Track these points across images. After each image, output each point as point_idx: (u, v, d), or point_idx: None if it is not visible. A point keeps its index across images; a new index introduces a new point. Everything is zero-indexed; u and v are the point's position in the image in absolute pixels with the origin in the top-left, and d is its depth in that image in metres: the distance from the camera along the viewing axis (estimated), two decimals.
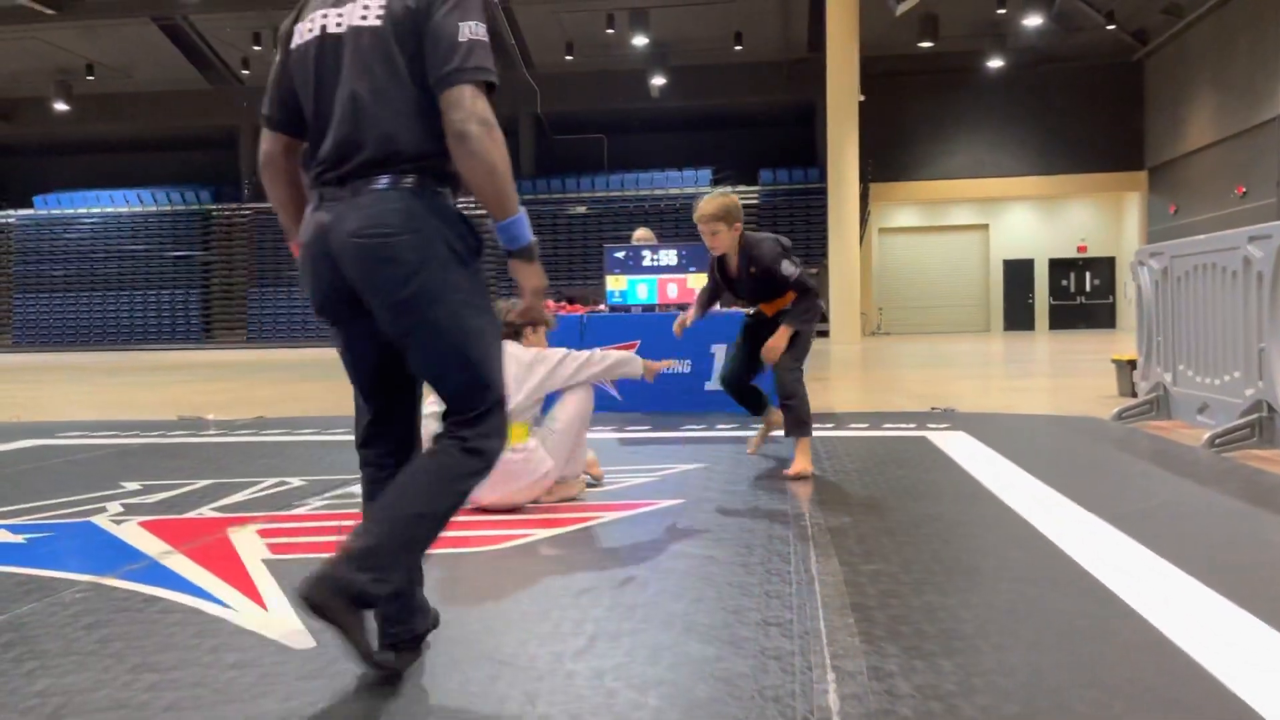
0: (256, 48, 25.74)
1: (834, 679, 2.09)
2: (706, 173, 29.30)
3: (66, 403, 10.43)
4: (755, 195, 28.40)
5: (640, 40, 24.65)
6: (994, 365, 13.90)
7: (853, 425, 6.46)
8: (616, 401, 7.60)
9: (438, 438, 2.12)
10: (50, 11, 22.76)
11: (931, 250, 29.07)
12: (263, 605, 2.74)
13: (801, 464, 4.59)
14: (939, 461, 4.97)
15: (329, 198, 2.10)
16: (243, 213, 30.03)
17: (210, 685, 2.15)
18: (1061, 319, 28.27)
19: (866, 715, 1.92)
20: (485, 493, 3.74)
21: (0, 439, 6.57)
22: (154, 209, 30.29)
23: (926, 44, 24.65)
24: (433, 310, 2.05)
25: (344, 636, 1.98)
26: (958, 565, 3.00)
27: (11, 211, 30.74)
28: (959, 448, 5.33)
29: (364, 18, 2.08)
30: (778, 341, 4.64)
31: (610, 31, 25.46)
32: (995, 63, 26.15)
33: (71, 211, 30.44)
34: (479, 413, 2.10)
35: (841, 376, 11.81)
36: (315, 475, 4.91)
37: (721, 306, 5.60)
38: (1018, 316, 28.60)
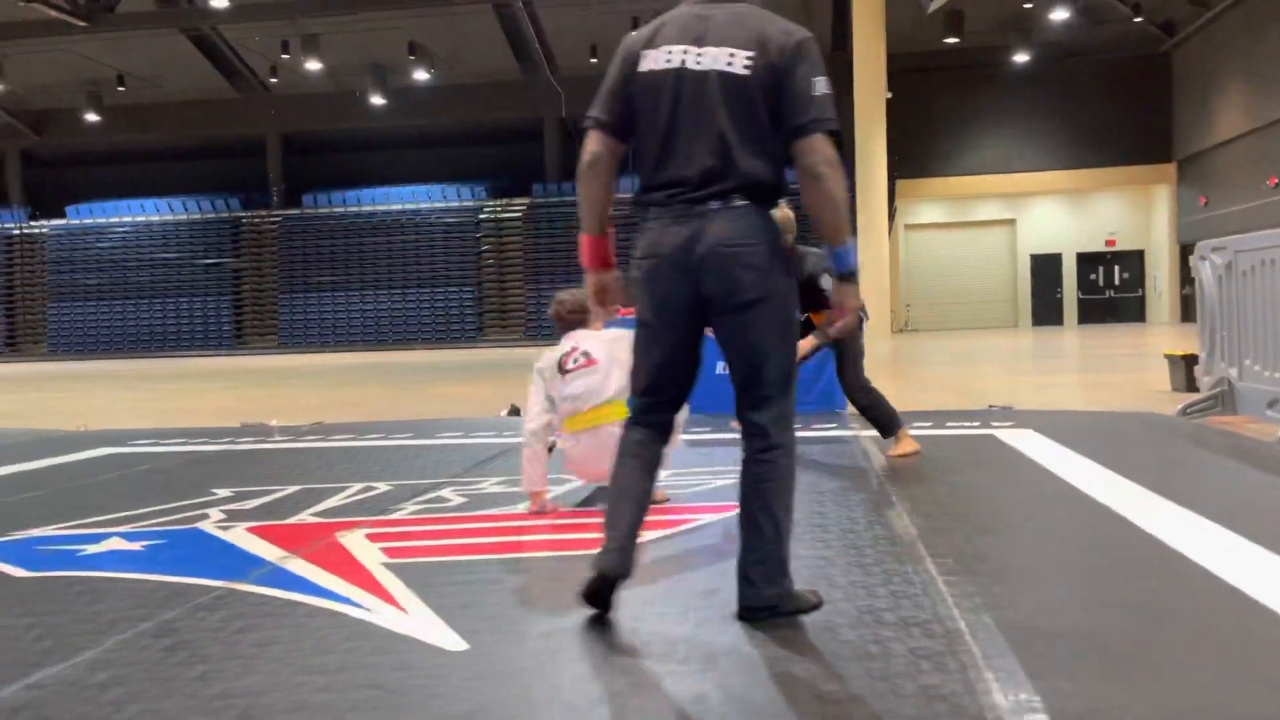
0: (285, 56, 25.95)
1: (994, 678, 2.13)
2: None
3: (123, 411, 10.58)
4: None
5: None
6: (1033, 361, 13.88)
7: (916, 425, 6.48)
8: None
9: (761, 439, 2.55)
10: (81, 24, 23.01)
11: (958, 246, 28.99)
12: (400, 608, 2.81)
13: (906, 445, 5.06)
14: (1015, 460, 5.00)
15: (685, 214, 2.46)
16: (271, 219, 30.28)
17: (383, 687, 2.22)
18: (1090, 313, 28.14)
19: (1035, 713, 1.97)
20: (598, 468, 3.70)
21: (75, 448, 6.69)
22: (184, 217, 30.58)
23: (952, 40, 24.58)
24: (770, 308, 2.47)
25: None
26: (1075, 566, 3.04)
27: (45, 222, 31.11)
28: (1031, 446, 5.36)
29: (730, 65, 2.42)
30: (802, 349, 4.89)
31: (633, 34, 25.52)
32: (1021, 57, 26.03)
33: (104, 221, 30.77)
34: (778, 396, 2.54)
35: (881, 375, 11.81)
36: (399, 480, 4.99)
37: None
38: (1046, 311, 28.47)
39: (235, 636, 2.60)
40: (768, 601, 2.52)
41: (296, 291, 29.40)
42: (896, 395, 8.86)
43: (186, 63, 28.16)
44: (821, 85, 2.41)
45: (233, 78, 29.29)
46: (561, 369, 4.08)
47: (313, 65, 25.28)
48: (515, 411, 8.50)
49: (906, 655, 2.29)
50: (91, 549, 3.68)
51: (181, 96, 29.51)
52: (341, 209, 29.95)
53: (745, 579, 2.54)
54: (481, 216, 29.61)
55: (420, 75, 26.76)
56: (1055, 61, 26.34)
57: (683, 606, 2.74)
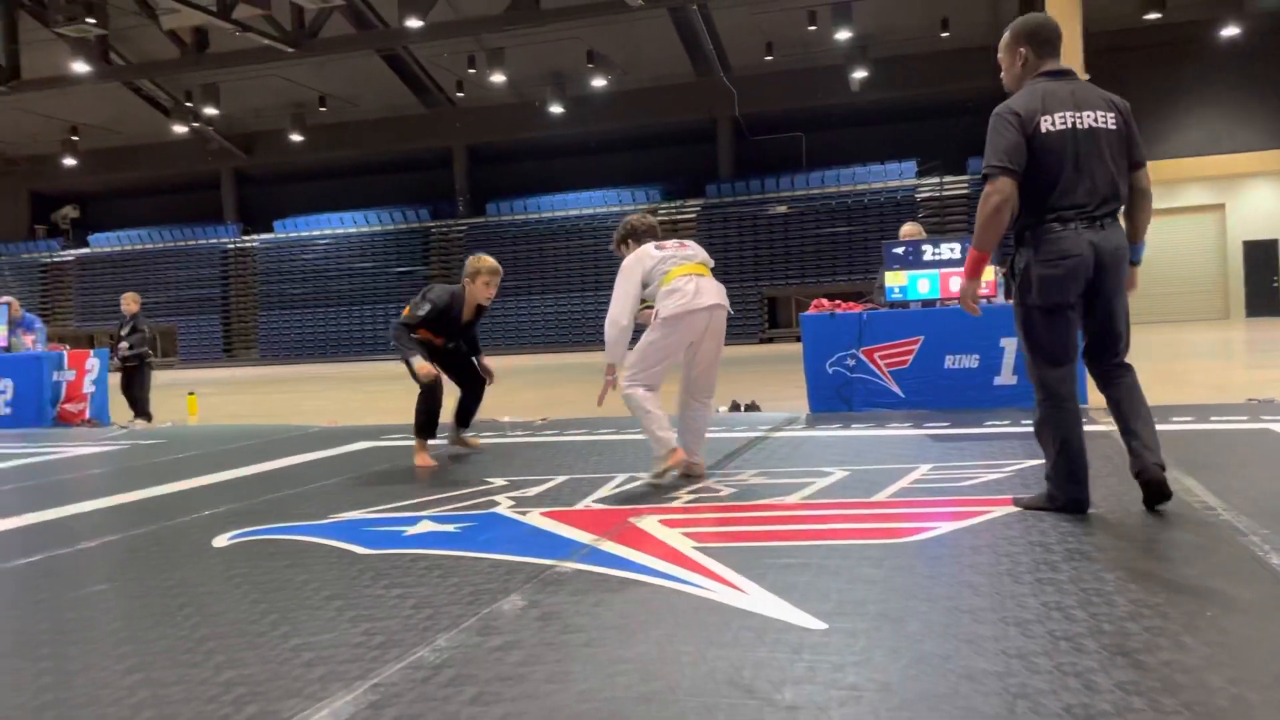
0: (471, 71, 27.06)
1: None
2: (911, 165, 28.65)
3: (357, 409, 11.30)
4: (965, 185, 27.54)
5: (843, 34, 24.34)
6: (1270, 354, 12.94)
7: (1175, 419, 6.18)
8: (899, 399, 7.56)
9: (1123, 369, 3.67)
10: (289, 49, 24.68)
11: (1160, 234, 27.03)
12: (736, 588, 2.90)
13: None
14: None
15: (1092, 227, 3.43)
16: (458, 228, 31.63)
17: (769, 666, 2.30)
18: None
19: None
20: (700, 301, 4.72)
21: (337, 443, 7.20)
22: (379, 228, 32.34)
23: (1153, 15, 23.22)
24: (1125, 289, 3.60)
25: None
26: None
27: (256, 236, 33.54)
28: None
29: (1104, 122, 3.47)
30: None
31: (812, 29, 25.29)
32: (1230, 31, 24.32)
33: (307, 234, 32.92)
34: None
35: None
36: None
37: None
38: (1261, 301, 26.42)
39: (594, 609, 2.75)
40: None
41: None
42: (1150, 392, 8.48)
43: (380, 82, 29.79)
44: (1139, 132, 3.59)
45: (422, 94, 30.78)
46: (657, 248, 4.88)
47: (497, 78, 26.25)
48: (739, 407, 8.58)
49: None
50: (410, 530, 3.96)
51: (376, 114, 31.24)
52: (524, 216, 30.98)
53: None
54: (658, 219, 29.99)
55: (598, 82, 27.37)
56: (1269, 34, 24.47)
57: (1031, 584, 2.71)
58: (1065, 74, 3.56)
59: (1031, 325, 3.54)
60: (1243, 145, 25.41)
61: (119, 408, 10.55)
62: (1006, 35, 3.64)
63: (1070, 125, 3.40)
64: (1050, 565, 2.97)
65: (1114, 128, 3.46)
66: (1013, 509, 3.79)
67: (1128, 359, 3.68)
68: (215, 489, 5.39)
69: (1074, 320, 3.52)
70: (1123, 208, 3.54)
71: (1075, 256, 3.40)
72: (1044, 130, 3.40)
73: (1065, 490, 3.58)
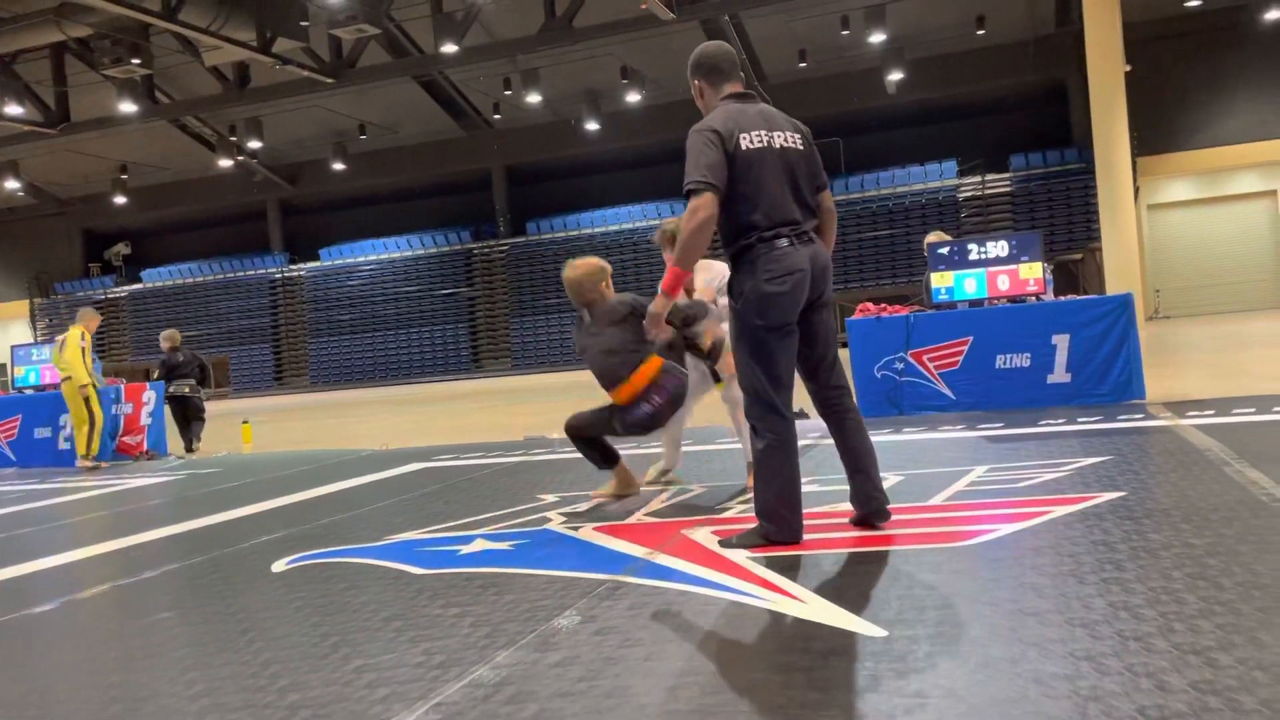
0: (507, 92, 27.31)
1: None
2: (951, 165, 28.37)
3: (409, 432, 11.41)
4: (1008, 182, 27.22)
5: (877, 37, 24.19)
6: None
7: (1236, 411, 6.03)
8: (951, 400, 7.47)
9: (845, 393, 3.62)
10: (329, 80, 25.10)
11: (1211, 223, 26.72)
12: (794, 597, 2.88)
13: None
14: None
15: (803, 242, 3.45)
16: (500, 248, 31.89)
17: (831, 675, 2.27)
18: None
19: None
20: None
21: (391, 465, 7.27)
22: (421, 252, 32.71)
23: (1194, 2, 22.83)
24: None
25: None
26: None
27: (302, 265, 34.08)
28: None
29: (794, 143, 3.50)
30: None
31: (845, 33, 25.17)
32: (1272, 14, 23.79)
33: (352, 261, 33.39)
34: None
35: (1169, 364, 11.07)
36: (710, 482, 5.12)
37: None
38: None
39: (651, 623, 2.74)
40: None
41: (526, 315, 30.79)
42: (1196, 385, 8.33)
43: (418, 108, 30.19)
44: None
45: (459, 117, 31.13)
46: None
47: (532, 98, 26.46)
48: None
49: None
50: (465, 549, 3.98)
51: (415, 139, 31.65)
52: (563, 233, 31.15)
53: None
54: None
55: (632, 98, 27.46)
56: None
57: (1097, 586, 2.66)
58: (748, 96, 3.58)
59: (762, 347, 3.43)
60: None
61: (176, 439, 10.76)
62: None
63: (765, 143, 3.42)
64: (1115, 564, 2.91)
65: (801, 148, 3.50)
66: (1073, 508, 3.72)
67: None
68: (272, 515, 5.47)
69: (796, 340, 3.47)
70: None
71: (801, 272, 3.38)
72: (744, 147, 3.39)
73: (789, 523, 3.46)
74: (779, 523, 3.45)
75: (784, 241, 3.40)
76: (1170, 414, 6.10)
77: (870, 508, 3.58)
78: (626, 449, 5.74)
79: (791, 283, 3.38)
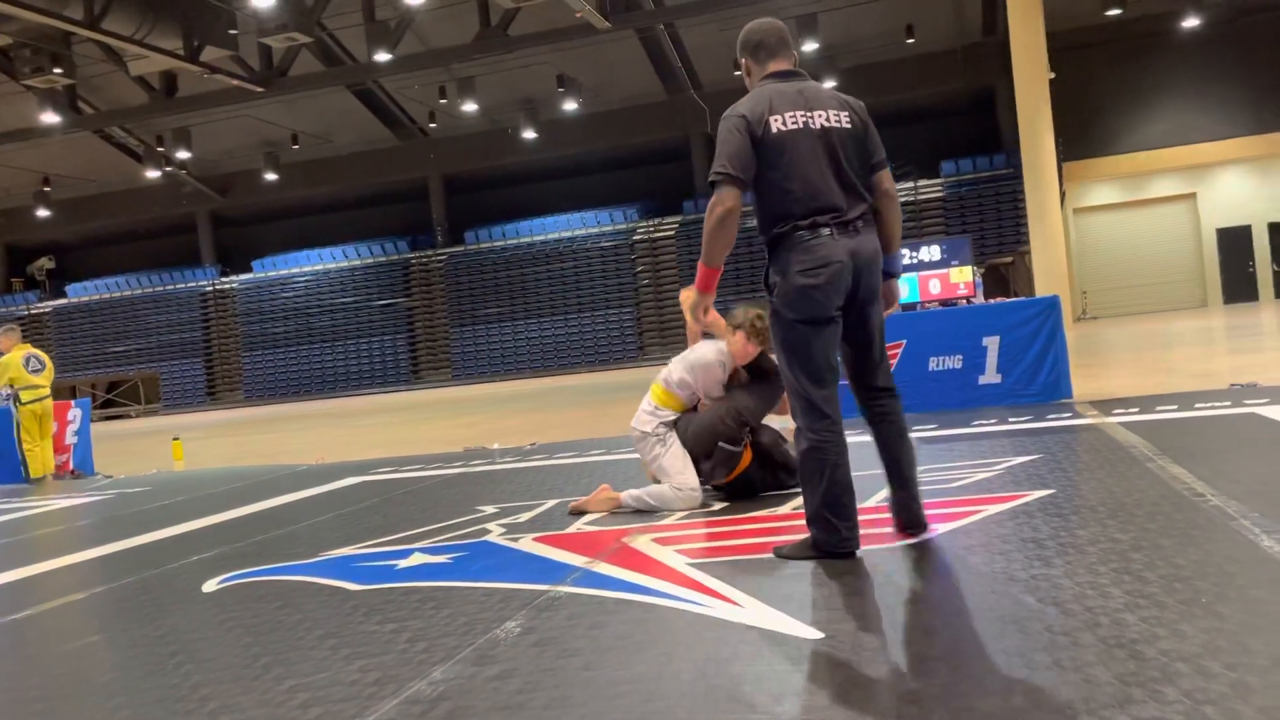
0: (442, 100, 27.11)
1: None
2: None
3: (345, 445, 11.23)
4: (939, 188, 27.73)
5: (810, 46, 24.50)
6: (1249, 338, 13.04)
7: (1159, 408, 6.21)
8: None
9: (891, 396, 3.50)
10: (259, 89, 24.65)
11: (1134, 226, 27.51)
12: (731, 602, 2.89)
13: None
14: None
15: (846, 232, 3.21)
16: (438, 258, 31.59)
17: (769, 678, 2.29)
18: None
19: None
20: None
21: (328, 479, 7.15)
22: (358, 262, 32.26)
23: (1115, 11, 23.52)
24: (880, 301, 3.39)
25: None
26: None
27: (235, 277, 33.40)
28: None
29: (839, 121, 3.28)
30: None
31: None
32: (1191, 22, 24.61)
33: (286, 272, 32.79)
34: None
35: (1095, 363, 11.35)
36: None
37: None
38: (1238, 288, 26.64)
39: (590, 632, 2.73)
40: None
41: (465, 325, 30.54)
42: (1122, 383, 8.55)
43: (352, 117, 29.81)
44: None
45: (394, 126, 30.81)
46: None
47: (468, 107, 26.29)
48: None
49: None
50: (403, 564, 3.93)
51: (349, 149, 31.24)
52: (502, 242, 30.97)
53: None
54: (635, 238, 30.04)
55: (569, 106, 27.44)
56: (1229, 23, 24.80)
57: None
58: (793, 75, 3.36)
59: (796, 341, 3.24)
60: (1210, 134, 25.68)
61: (102, 457, 10.46)
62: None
63: (803, 125, 3.21)
64: (1044, 561, 2.97)
65: (849, 126, 3.26)
66: (1004, 506, 3.79)
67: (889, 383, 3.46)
68: (203, 533, 5.34)
69: (837, 334, 3.27)
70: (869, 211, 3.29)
71: (838, 264, 3.16)
72: (775, 130, 3.19)
73: (837, 530, 3.22)
74: (827, 530, 3.23)
75: (825, 231, 3.17)
76: (1097, 412, 6.26)
77: (907, 519, 3.44)
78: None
79: (826, 275, 3.16)
